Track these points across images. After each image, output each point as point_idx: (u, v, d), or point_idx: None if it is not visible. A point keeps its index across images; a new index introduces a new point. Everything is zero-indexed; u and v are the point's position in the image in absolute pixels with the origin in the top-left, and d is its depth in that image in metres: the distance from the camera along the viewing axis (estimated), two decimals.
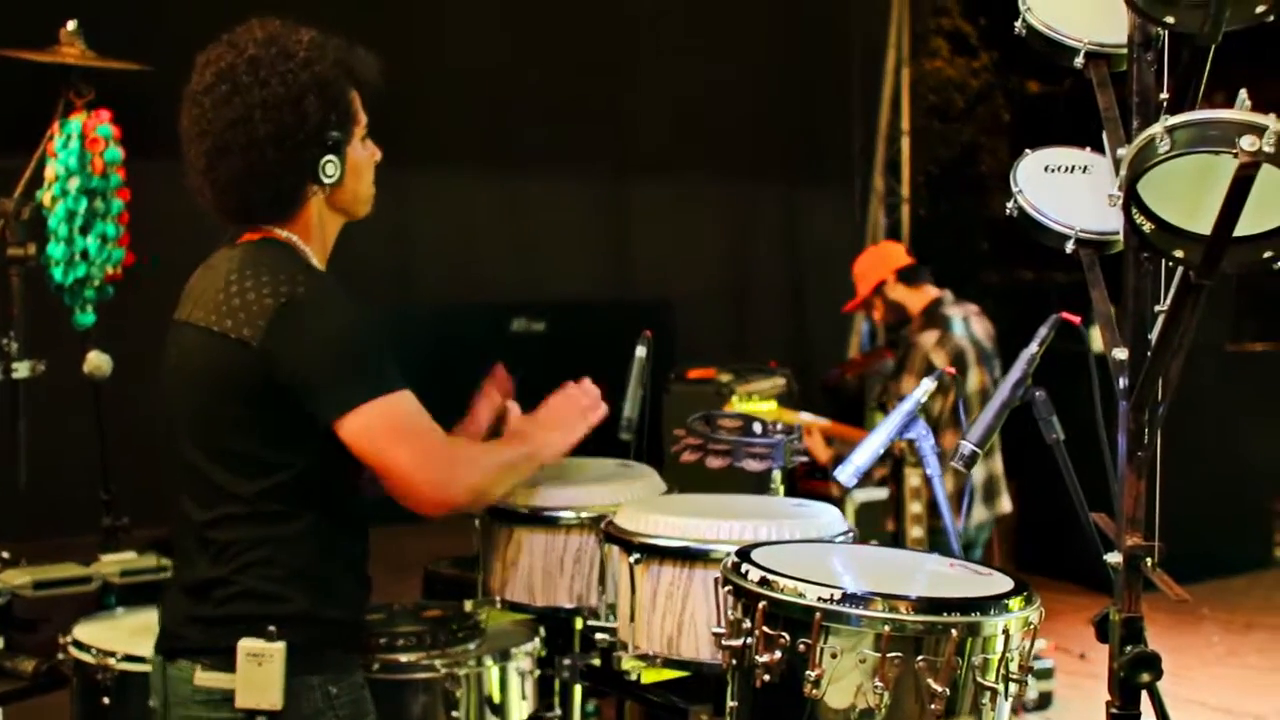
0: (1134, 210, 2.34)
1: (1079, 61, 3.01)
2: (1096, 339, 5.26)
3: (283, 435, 3.08)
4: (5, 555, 4.61)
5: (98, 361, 4.68)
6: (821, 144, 13.69)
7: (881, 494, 6.81)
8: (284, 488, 3.08)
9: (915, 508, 5.96)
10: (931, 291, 6.76)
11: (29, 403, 4.60)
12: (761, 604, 2.71)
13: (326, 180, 3.19)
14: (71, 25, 4.78)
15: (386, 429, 3.03)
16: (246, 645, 3.01)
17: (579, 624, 3.84)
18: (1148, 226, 2.36)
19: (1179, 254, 2.37)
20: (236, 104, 3.09)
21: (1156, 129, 2.24)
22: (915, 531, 5.95)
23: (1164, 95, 2.71)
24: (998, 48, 16.40)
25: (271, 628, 3.02)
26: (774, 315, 13.57)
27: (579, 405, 3.64)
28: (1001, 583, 2.81)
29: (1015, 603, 2.69)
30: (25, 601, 4.48)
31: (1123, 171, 2.31)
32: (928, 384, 3.54)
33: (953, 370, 3.77)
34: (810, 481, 7.52)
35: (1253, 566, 10.82)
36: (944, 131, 16.63)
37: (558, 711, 3.94)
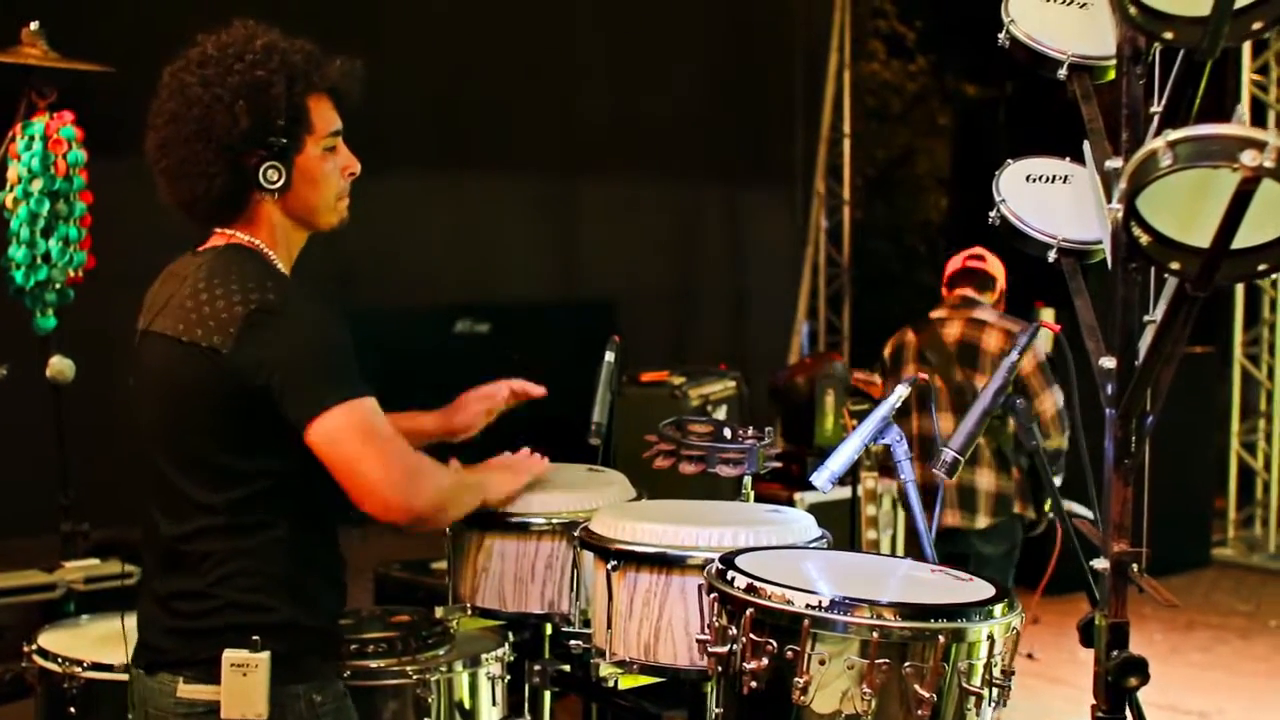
0: (1132, 223, 2.36)
1: (1062, 73, 3.03)
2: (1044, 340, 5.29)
3: (256, 444, 3.05)
4: None
5: (60, 366, 4.65)
6: (764, 146, 13.75)
7: (834, 495, 6.79)
8: (259, 497, 3.06)
9: (870, 510, 5.97)
10: None
11: None
12: (749, 611, 2.71)
13: (269, 186, 3.13)
14: (34, 26, 4.74)
15: (352, 433, 3.00)
16: (231, 656, 2.99)
17: (548, 630, 3.85)
18: (1145, 239, 2.39)
19: (1175, 266, 2.39)
20: (178, 100, 3.09)
21: (1159, 143, 2.26)
22: (870, 534, 5.97)
23: (1155, 109, 2.74)
24: (934, 51, 16.48)
25: (255, 637, 3.00)
26: (716, 317, 13.62)
27: (525, 460, 3.72)
28: (983, 589, 2.83)
29: (999, 609, 2.71)
30: None
31: (1121, 184, 2.34)
32: (902, 389, 3.55)
33: (925, 376, 3.78)
34: (761, 484, 7.52)
35: (1192, 565, 10.95)
36: (880, 133, 16.71)
37: (527, 717, 3.93)
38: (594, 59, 12.09)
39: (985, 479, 6.50)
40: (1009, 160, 3.22)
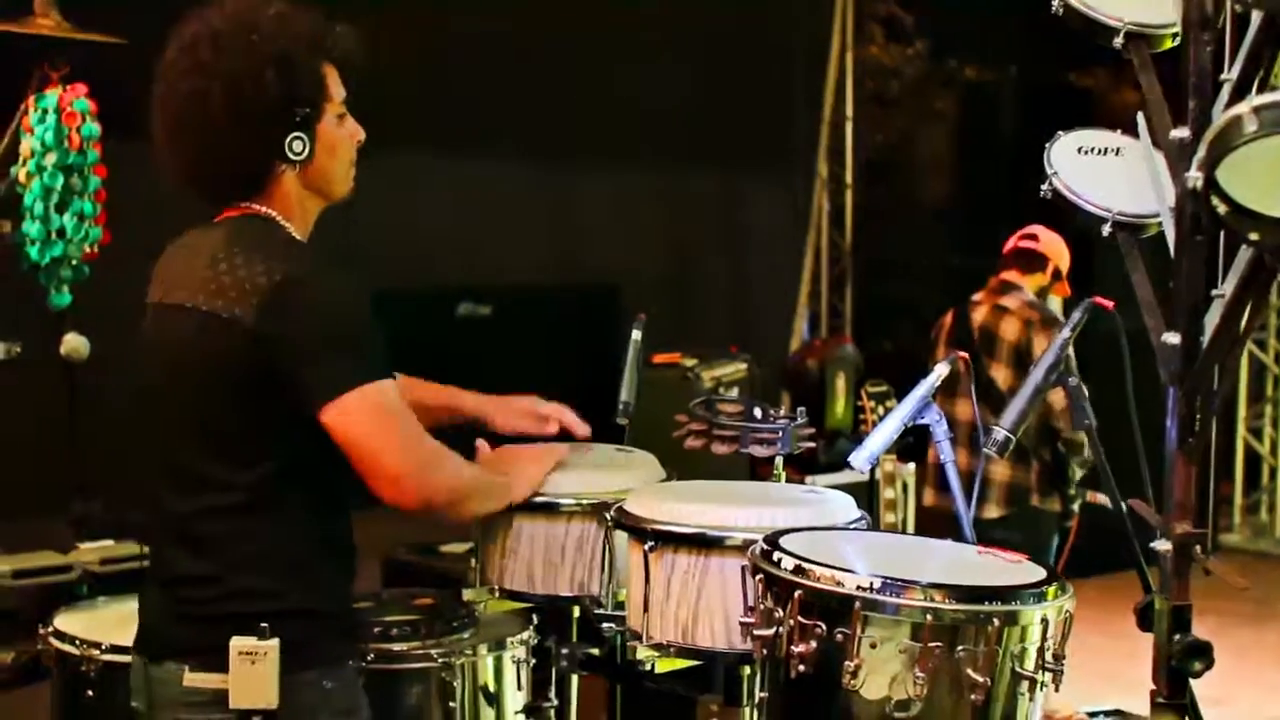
0: (1211, 192, 2.30)
1: (1118, 42, 2.97)
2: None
3: (275, 420, 2.99)
4: None
5: (75, 344, 4.58)
6: (765, 129, 13.68)
7: (851, 478, 6.75)
8: (277, 476, 3.01)
9: (889, 493, 5.93)
10: None
11: (1, 385, 4.51)
12: (797, 593, 2.66)
13: (294, 157, 3.10)
14: None
15: (372, 415, 2.97)
16: (239, 644, 2.91)
17: (576, 612, 3.79)
18: (1223, 208, 2.32)
19: (1254, 236, 2.33)
20: (195, 78, 3.02)
21: (1243, 109, 2.21)
22: (889, 517, 5.92)
23: (1225, 76, 2.67)
24: (933, 35, 16.43)
25: (264, 624, 2.93)
26: (719, 301, 13.57)
27: (549, 448, 3.68)
28: (1034, 571, 2.78)
29: (1051, 590, 2.66)
30: (5, 592, 4.37)
31: (1201, 152, 2.27)
32: (941, 368, 3.50)
33: (965, 356, 3.72)
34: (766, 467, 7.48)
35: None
36: (880, 117, 16.65)
37: (554, 701, 3.88)
38: (596, 41, 12.02)
39: (998, 469, 6.44)
40: (1059, 132, 3.15)
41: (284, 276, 2.96)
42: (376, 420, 2.98)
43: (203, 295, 3.00)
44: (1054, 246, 6.73)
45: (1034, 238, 6.71)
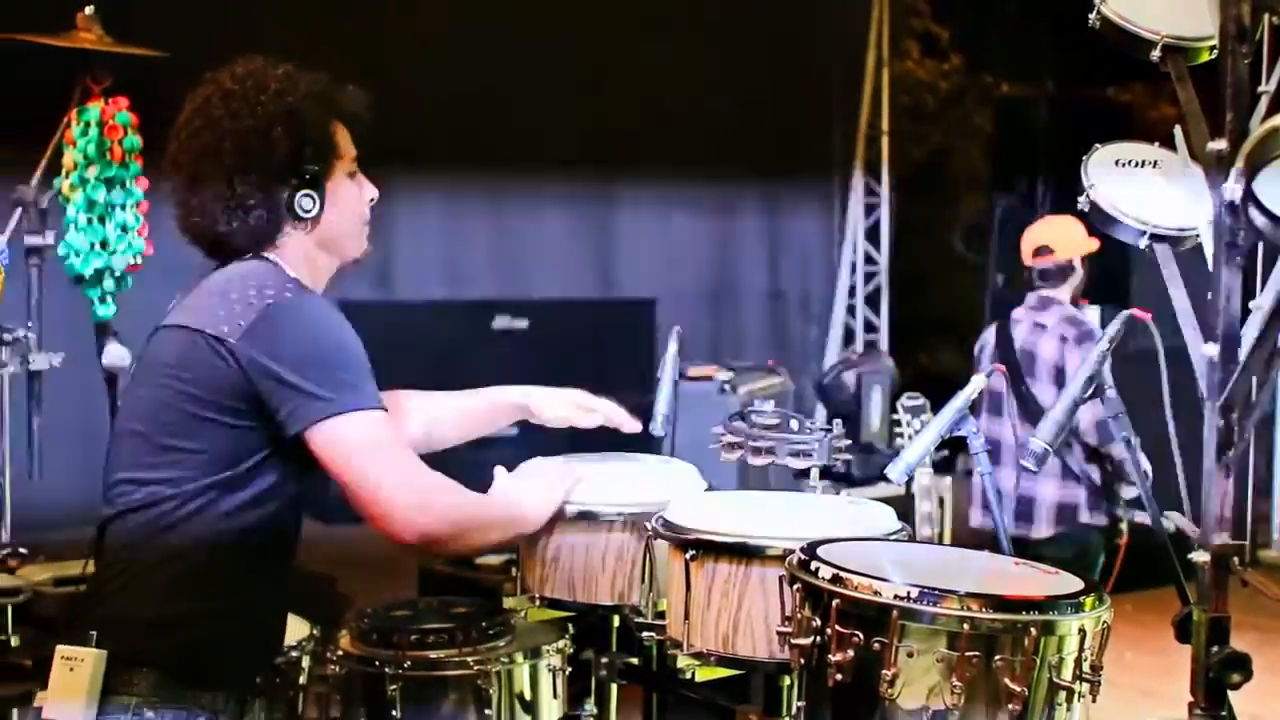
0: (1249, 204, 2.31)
1: (1155, 54, 2.97)
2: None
3: (241, 445, 3.00)
4: (24, 550, 4.53)
5: (117, 354, 4.61)
6: (801, 143, 13.71)
7: (889, 491, 6.75)
8: (219, 493, 3.00)
9: (925, 506, 5.91)
10: None
11: (45, 396, 4.54)
12: (835, 601, 2.67)
13: (304, 214, 3.14)
14: (89, 9, 4.70)
15: (366, 442, 2.99)
16: (63, 649, 2.88)
17: (616, 621, 3.80)
18: (1260, 219, 2.33)
19: None
20: (206, 136, 3.09)
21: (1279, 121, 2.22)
22: (925, 530, 5.90)
23: (1263, 88, 2.68)
24: (968, 50, 16.42)
25: (93, 631, 2.93)
26: (754, 315, 13.58)
27: (563, 469, 3.61)
28: (1071, 582, 2.78)
29: (1089, 601, 2.66)
30: (45, 599, 4.40)
31: (1238, 164, 2.28)
32: (978, 380, 3.50)
33: (1002, 368, 3.72)
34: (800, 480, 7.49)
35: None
36: (915, 132, 16.65)
37: (593, 710, 3.89)
38: (631, 57, 12.05)
39: (1047, 489, 6.43)
40: (1097, 145, 3.16)
41: (275, 302, 2.99)
42: (373, 446, 3.00)
43: (194, 316, 3.04)
44: (1068, 243, 6.63)
45: (1048, 250, 6.63)
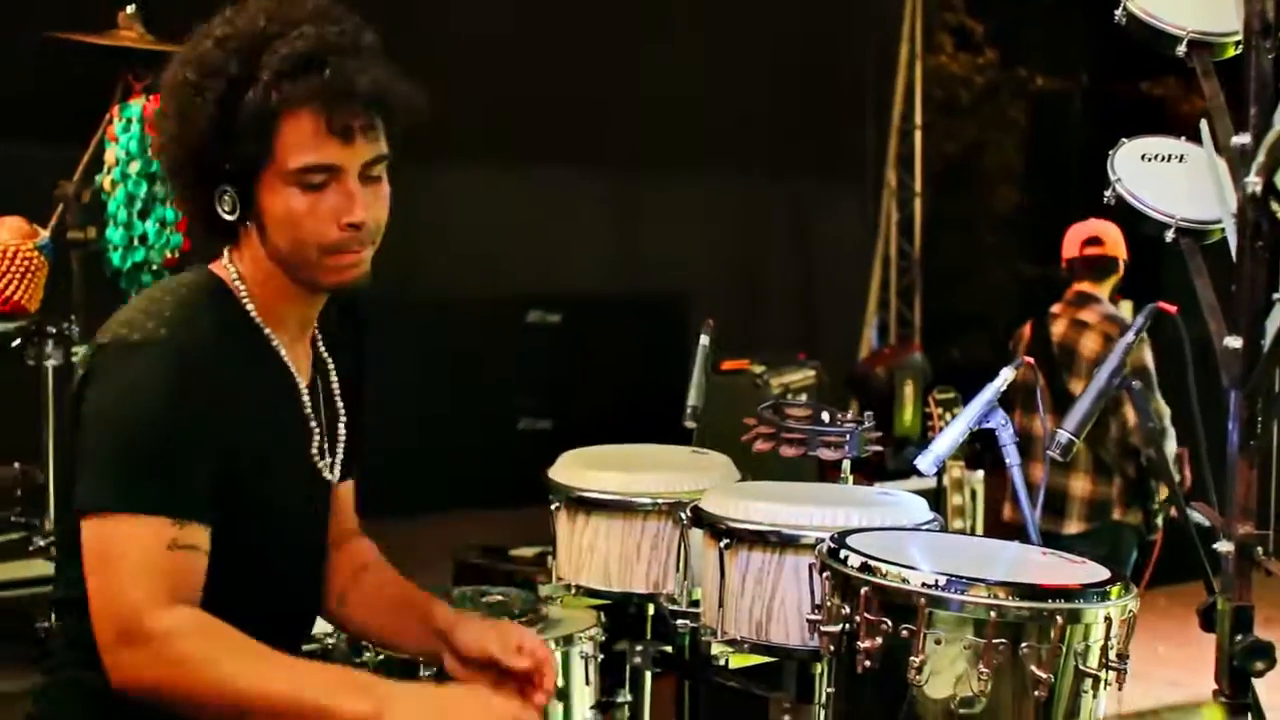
0: (1270, 197, 2.34)
1: (1181, 50, 3.00)
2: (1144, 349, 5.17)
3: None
4: None
5: None
6: (834, 138, 13.72)
7: (920, 484, 6.77)
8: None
9: (957, 499, 5.93)
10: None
11: None
12: (864, 589, 2.70)
13: (227, 215, 2.58)
14: (130, 9, 4.78)
15: (96, 551, 2.44)
16: None
17: (651, 609, 3.85)
18: None
19: None
20: (165, 98, 2.64)
21: None
22: (956, 524, 5.93)
23: None
24: (1003, 44, 16.42)
25: None
26: (787, 309, 13.60)
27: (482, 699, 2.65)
28: (1098, 571, 2.81)
29: (1115, 590, 2.69)
30: None
31: (1260, 158, 2.32)
32: (1007, 372, 3.53)
33: (1030, 360, 3.75)
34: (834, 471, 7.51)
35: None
36: (949, 127, 16.65)
37: (628, 696, 3.93)
38: (663, 50, 12.08)
39: (1079, 484, 6.44)
40: (1123, 139, 3.19)
41: (110, 339, 2.52)
42: (99, 558, 2.43)
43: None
44: (1118, 239, 6.68)
45: (1099, 241, 6.65)
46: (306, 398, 2.77)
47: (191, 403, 2.47)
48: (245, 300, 2.65)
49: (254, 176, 2.53)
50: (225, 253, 2.69)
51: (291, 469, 2.76)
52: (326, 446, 2.84)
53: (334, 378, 2.87)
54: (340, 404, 2.88)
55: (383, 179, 2.64)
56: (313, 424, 2.79)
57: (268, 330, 2.68)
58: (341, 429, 2.89)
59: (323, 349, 2.87)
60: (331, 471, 2.86)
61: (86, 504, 2.45)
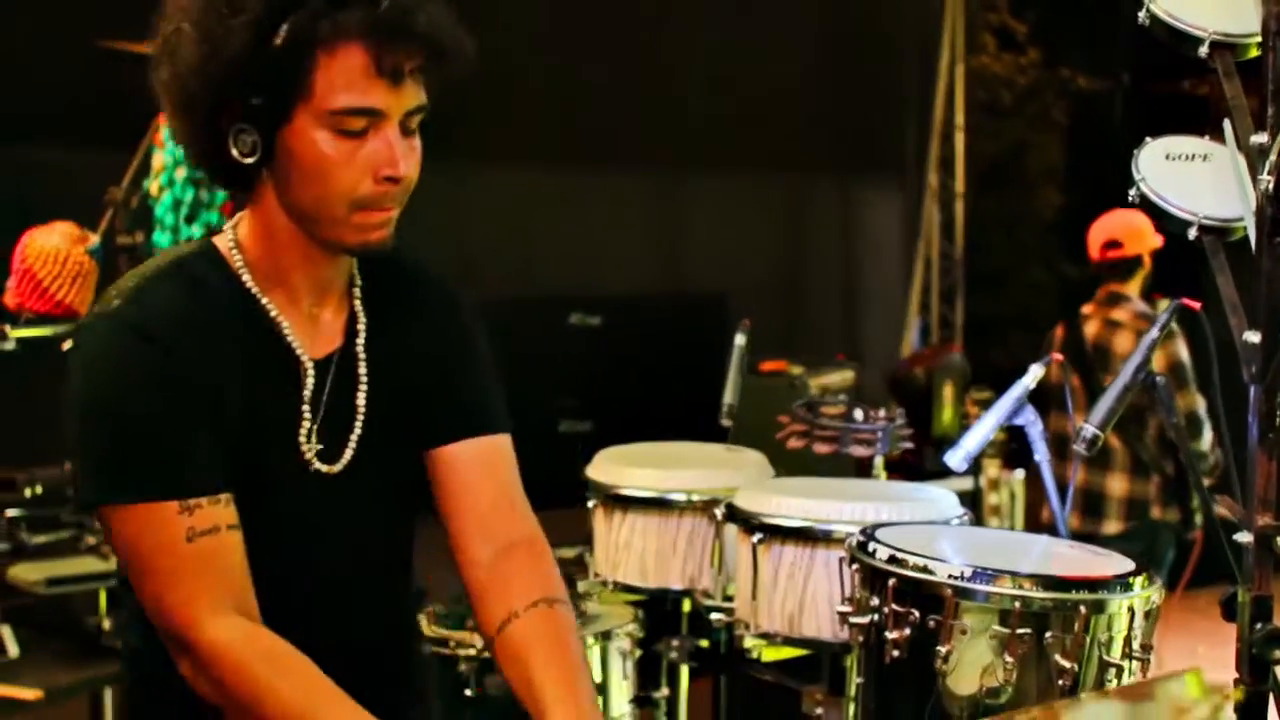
0: None
1: (1203, 51, 3.04)
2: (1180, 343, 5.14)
3: None
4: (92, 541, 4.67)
5: None
6: (875, 139, 13.70)
7: (957, 484, 6.80)
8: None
9: (993, 499, 5.98)
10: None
11: None
12: (891, 581, 2.76)
13: (244, 159, 2.26)
14: None
15: (117, 547, 2.29)
16: None
17: (687, 605, 3.90)
18: None
19: None
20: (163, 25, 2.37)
21: None
22: (993, 523, 5.97)
23: None
24: (1045, 44, 16.39)
25: None
26: (827, 311, 13.60)
27: None
28: (1122, 563, 2.86)
29: (1139, 581, 2.74)
30: None
31: (1273, 157, 2.36)
32: (1036, 369, 3.58)
33: (1059, 357, 3.80)
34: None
35: None
36: (992, 127, 16.63)
37: (665, 691, 3.99)
38: (703, 52, 12.11)
39: (1117, 484, 6.45)
40: (1147, 138, 3.22)
41: (84, 319, 2.36)
42: (124, 557, 2.28)
43: None
44: (1138, 236, 6.62)
45: (1117, 244, 6.63)
46: (312, 372, 2.41)
47: (143, 372, 2.22)
48: (240, 269, 2.36)
49: (283, 116, 2.23)
50: (244, 198, 2.40)
51: (278, 455, 2.39)
52: (319, 429, 2.42)
53: (362, 350, 2.49)
54: (365, 377, 2.48)
55: (417, 133, 2.34)
56: (305, 406, 2.40)
57: (265, 300, 2.37)
58: (361, 404, 2.46)
59: (361, 315, 2.51)
60: (327, 459, 2.43)
61: (82, 501, 2.35)
